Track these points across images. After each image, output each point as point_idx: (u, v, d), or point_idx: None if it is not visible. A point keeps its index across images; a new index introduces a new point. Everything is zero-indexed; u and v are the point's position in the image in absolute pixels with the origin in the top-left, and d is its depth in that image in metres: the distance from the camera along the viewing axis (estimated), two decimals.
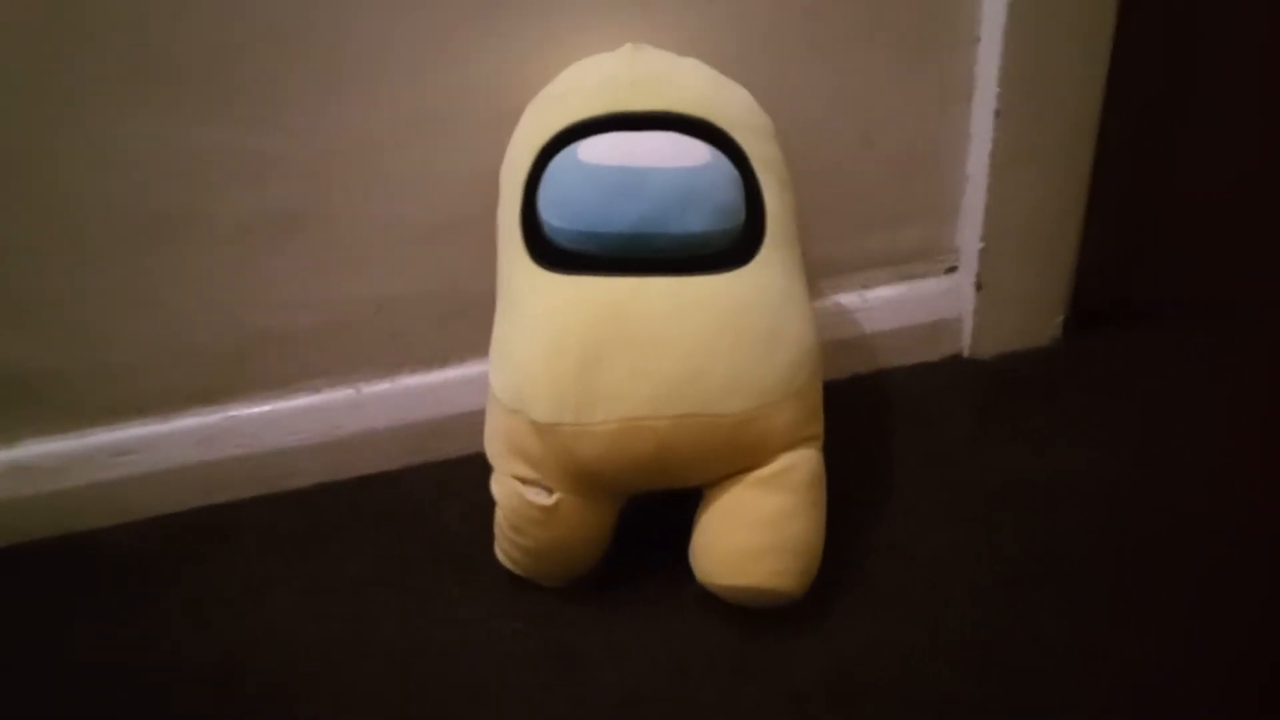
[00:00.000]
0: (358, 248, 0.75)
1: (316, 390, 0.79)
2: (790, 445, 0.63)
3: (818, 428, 0.65)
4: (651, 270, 0.61)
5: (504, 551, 0.68)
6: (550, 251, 0.62)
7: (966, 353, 0.86)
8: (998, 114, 0.77)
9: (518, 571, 0.67)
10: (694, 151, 0.63)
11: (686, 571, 0.67)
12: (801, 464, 0.63)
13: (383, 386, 0.80)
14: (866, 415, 0.80)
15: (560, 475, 0.61)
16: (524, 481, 0.62)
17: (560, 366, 0.60)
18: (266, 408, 0.78)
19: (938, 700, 0.61)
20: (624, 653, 0.64)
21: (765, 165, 0.66)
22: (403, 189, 0.73)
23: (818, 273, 0.81)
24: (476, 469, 0.77)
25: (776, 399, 0.61)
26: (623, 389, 0.59)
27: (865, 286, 0.85)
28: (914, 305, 0.86)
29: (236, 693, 0.64)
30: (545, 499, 0.61)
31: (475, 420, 0.79)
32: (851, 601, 0.66)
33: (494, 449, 0.65)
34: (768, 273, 0.63)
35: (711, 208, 0.62)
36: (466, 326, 0.79)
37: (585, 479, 0.61)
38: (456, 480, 0.78)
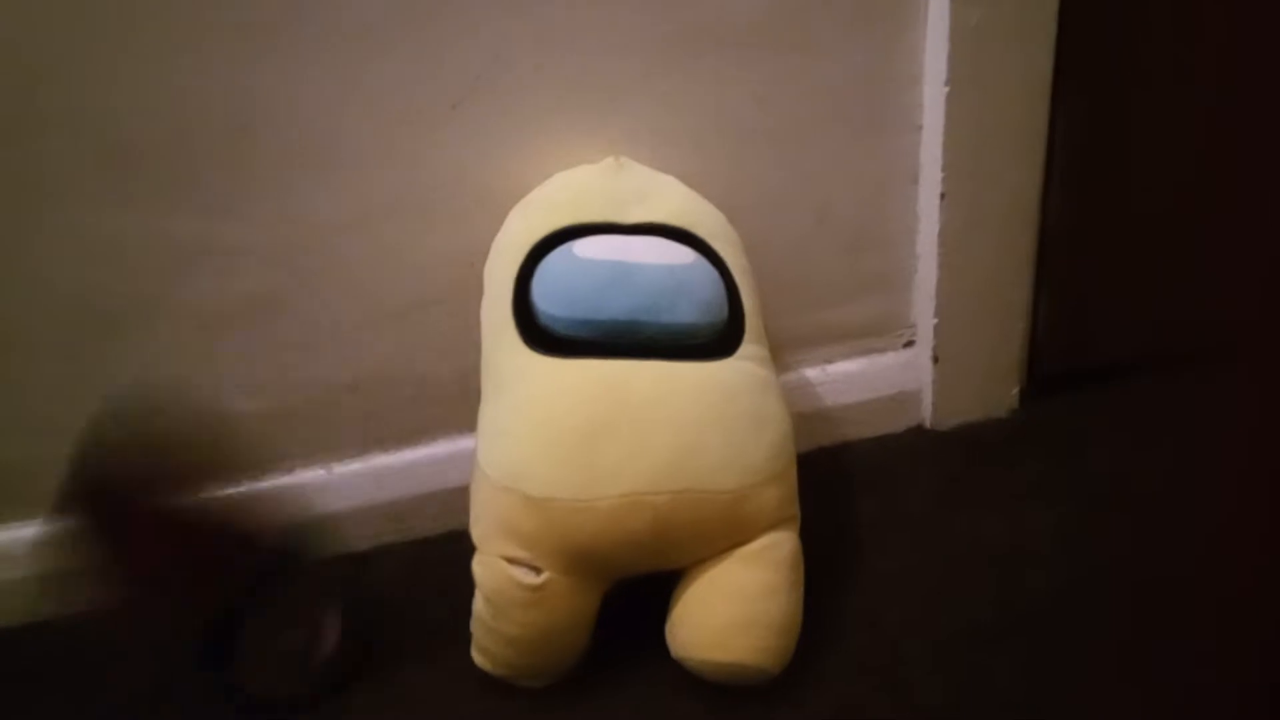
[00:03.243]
0: (327, 331, 0.76)
1: (288, 471, 0.80)
2: (774, 525, 0.65)
3: (796, 509, 0.67)
4: (643, 356, 0.64)
5: (481, 649, 0.67)
6: (544, 338, 0.65)
7: (928, 424, 0.89)
8: (943, 196, 0.82)
9: (496, 671, 0.67)
10: (681, 253, 0.68)
11: (659, 648, 0.67)
12: (784, 543, 0.65)
13: (354, 466, 0.81)
14: (833, 486, 0.82)
15: (552, 553, 0.62)
16: (511, 561, 0.63)
17: (559, 442, 0.62)
18: (237, 490, 0.78)
19: None
20: None
21: (740, 272, 0.71)
22: (370, 273, 0.75)
23: (781, 347, 0.84)
24: (450, 548, 0.77)
25: (764, 478, 0.64)
26: (622, 465, 0.61)
27: (827, 361, 0.88)
28: (874, 378, 0.88)
29: None
30: (533, 578, 0.62)
31: (447, 498, 0.81)
32: (822, 668, 0.67)
33: (481, 529, 0.65)
34: (749, 364, 0.67)
35: (698, 302, 0.66)
36: (437, 406, 0.80)
37: (578, 557, 0.62)
38: (427, 561, 0.78)
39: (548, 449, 0.62)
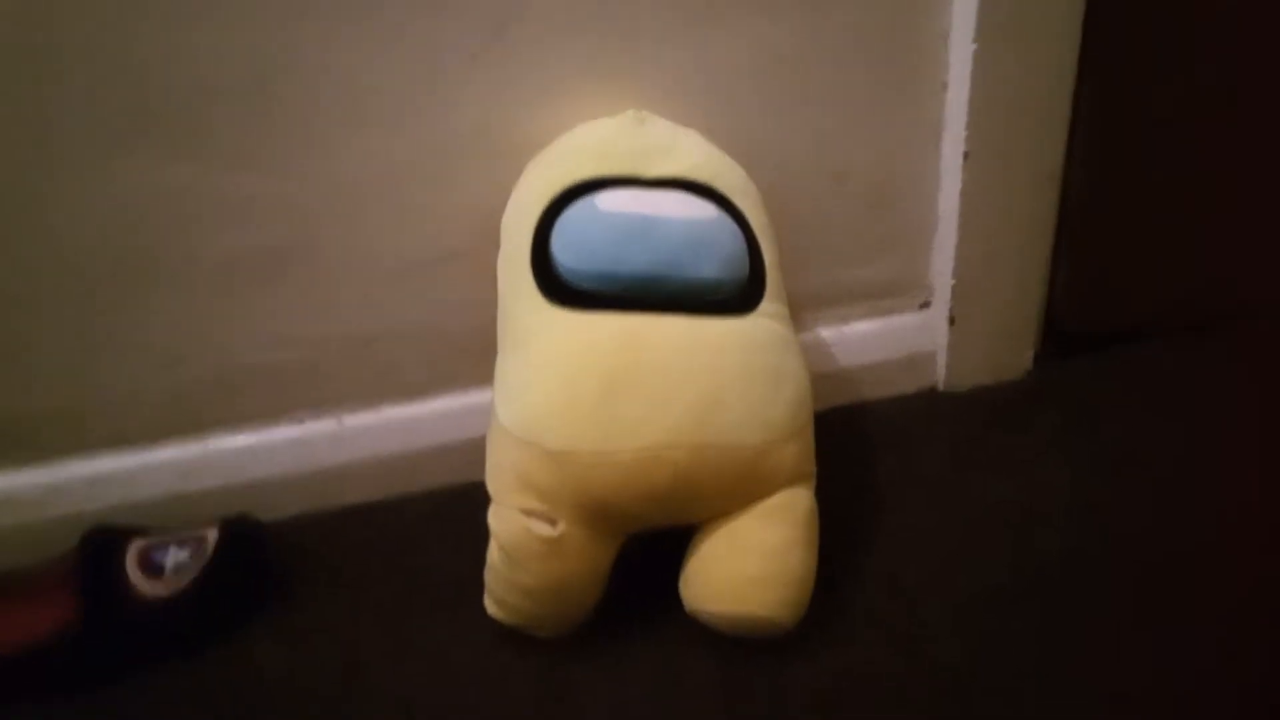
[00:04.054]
0: (342, 285, 0.75)
1: (299, 422, 0.79)
2: (791, 481, 0.65)
3: (813, 466, 0.67)
4: (664, 311, 0.63)
5: (497, 599, 0.66)
6: (564, 291, 0.64)
7: (942, 386, 0.88)
8: (966, 155, 0.80)
9: (511, 621, 0.66)
10: (703, 207, 0.67)
11: (672, 604, 0.67)
12: (800, 499, 0.65)
13: (366, 418, 0.80)
14: (847, 445, 0.82)
15: (570, 507, 0.61)
16: (528, 513, 0.62)
17: (579, 396, 0.61)
18: (248, 440, 0.78)
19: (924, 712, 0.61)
20: (614, 678, 0.64)
21: (761, 228, 0.70)
22: (386, 227, 0.74)
23: (797, 307, 0.83)
24: (458, 501, 0.77)
25: (784, 434, 0.63)
26: (642, 418, 0.60)
27: (843, 321, 0.87)
28: (890, 339, 0.88)
29: None
30: (550, 530, 0.61)
31: (458, 452, 0.80)
32: (837, 627, 0.67)
33: (498, 481, 0.65)
34: (769, 321, 0.66)
35: (720, 257, 0.65)
36: (450, 360, 0.79)
37: (596, 511, 0.62)
38: (439, 513, 0.78)
39: (566, 402, 0.61)
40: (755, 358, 0.64)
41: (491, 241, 0.72)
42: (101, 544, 0.68)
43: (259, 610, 0.70)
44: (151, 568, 0.68)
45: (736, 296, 0.66)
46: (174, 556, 0.68)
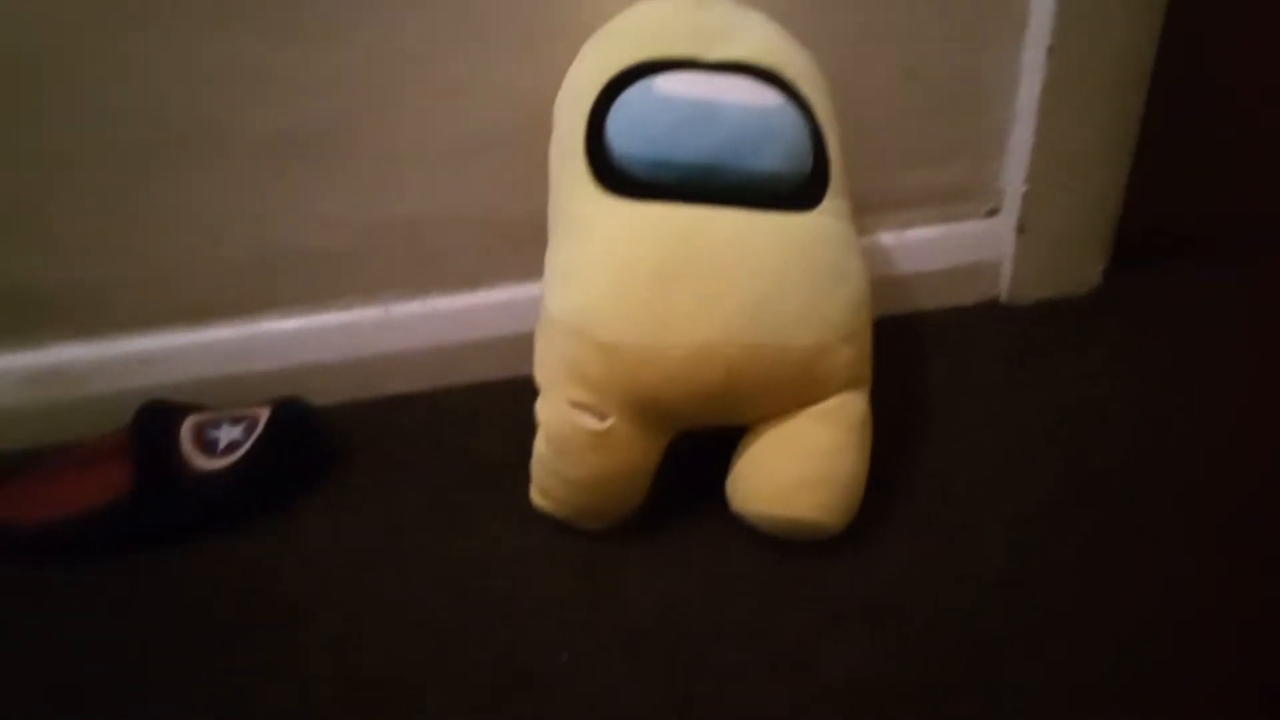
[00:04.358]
0: (387, 167, 0.74)
1: (346, 308, 0.79)
2: (846, 385, 0.63)
3: (868, 370, 0.65)
4: (721, 203, 0.60)
5: (543, 489, 0.66)
6: (618, 179, 0.62)
7: (1005, 297, 0.85)
8: (1050, 50, 0.75)
9: (556, 512, 0.67)
10: (767, 94, 0.63)
11: (718, 503, 0.67)
12: (854, 403, 0.63)
13: (412, 307, 0.79)
14: (903, 354, 0.79)
15: (620, 400, 0.60)
16: (577, 405, 0.61)
17: (631, 288, 0.59)
18: (296, 323, 0.78)
19: (969, 626, 0.61)
20: (656, 572, 0.64)
21: (828, 119, 0.66)
22: (433, 108, 0.72)
23: (856, 208, 0.79)
24: (504, 394, 0.77)
25: (841, 336, 0.61)
26: (695, 314, 0.59)
27: (903, 226, 0.83)
28: (952, 247, 0.84)
29: (265, 603, 0.64)
30: (598, 423, 0.61)
31: (505, 345, 0.80)
32: (887, 530, 0.66)
33: (547, 373, 0.64)
34: (832, 219, 0.64)
35: (782, 148, 0.62)
36: (498, 250, 0.78)
37: (645, 405, 0.61)
38: (484, 404, 0.78)
39: (618, 294, 0.60)
40: (814, 256, 0.61)
41: (542, 126, 0.69)
42: (157, 417, 0.69)
43: (307, 488, 0.71)
44: (205, 443, 0.69)
45: (797, 191, 0.63)
46: (227, 433, 0.69)
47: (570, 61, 0.69)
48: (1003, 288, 0.85)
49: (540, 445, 0.65)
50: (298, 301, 0.77)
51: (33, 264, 0.72)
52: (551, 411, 0.63)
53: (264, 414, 0.71)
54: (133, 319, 0.75)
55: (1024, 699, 0.58)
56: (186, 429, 0.69)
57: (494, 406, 0.77)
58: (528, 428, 0.67)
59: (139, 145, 0.69)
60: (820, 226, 0.62)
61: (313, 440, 0.73)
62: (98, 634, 0.63)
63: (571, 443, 0.62)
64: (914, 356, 0.80)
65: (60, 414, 0.75)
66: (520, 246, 0.76)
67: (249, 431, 0.69)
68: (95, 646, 0.62)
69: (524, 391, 0.69)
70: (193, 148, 0.70)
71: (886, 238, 0.83)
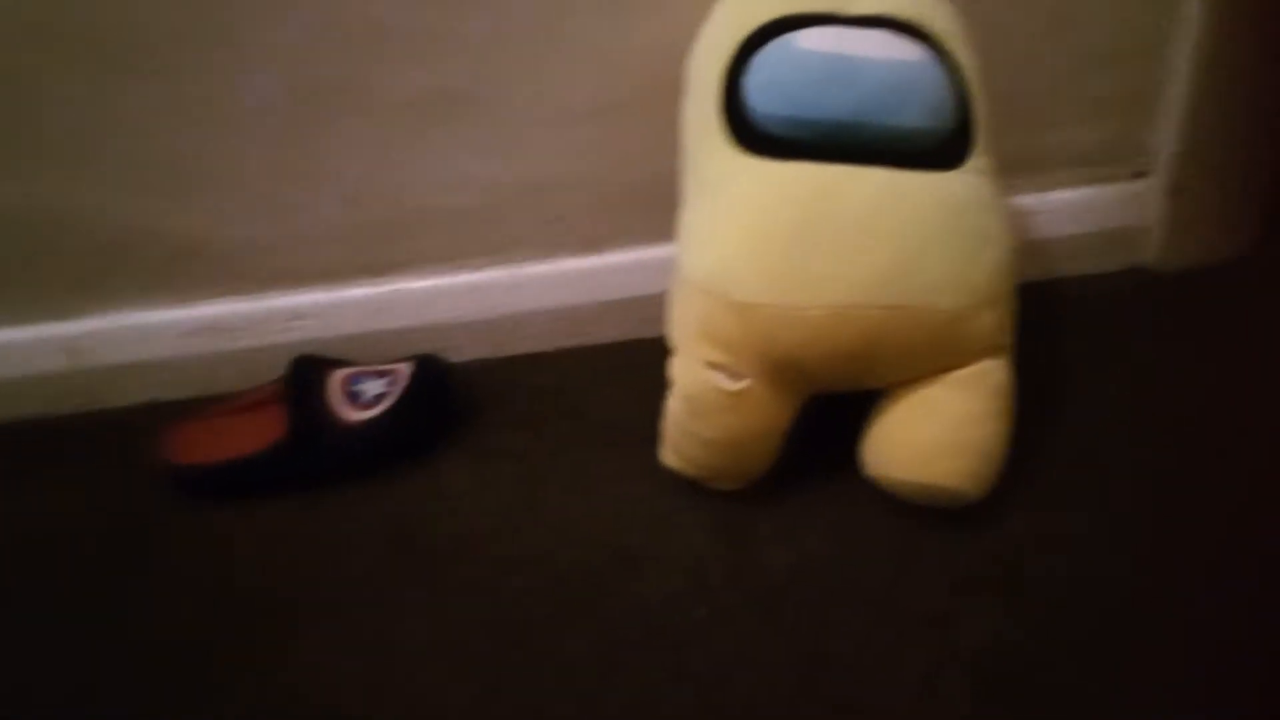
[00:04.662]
0: (518, 128, 0.75)
1: (478, 269, 0.81)
2: (987, 351, 0.62)
3: (1010, 337, 0.63)
4: (863, 161, 0.59)
5: (674, 448, 0.67)
6: (755, 138, 0.61)
7: (1151, 264, 0.81)
8: (1207, 2, 0.71)
9: (687, 471, 0.67)
10: (910, 49, 0.62)
11: (849, 465, 0.66)
12: (996, 370, 0.62)
13: (541, 268, 0.81)
14: (1043, 321, 0.76)
15: (755, 361, 0.61)
16: (712, 365, 0.62)
17: (769, 248, 0.59)
18: (430, 283, 0.80)
19: (1103, 597, 0.60)
20: (787, 533, 0.65)
21: (973, 74, 0.64)
22: (564, 68, 0.72)
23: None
24: (629, 355, 0.78)
25: (984, 300, 0.60)
26: (834, 274, 0.58)
27: (1045, 188, 0.80)
28: (1098, 210, 0.81)
29: (412, 547, 0.67)
30: (733, 384, 0.61)
31: (631, 307, 0.81)
32: (1024, 499, 0.65)
33: (681, 333, 0.64)
34: (976, 178, 0.62)
35: (925, 104, 0.61)
36: (625, 212, 0.78)
37: (781, 367, 0.61)
38: (612, 366, 0.79)
39: (756, 253, 0.60)
40: (958, 217, 0.60)
41: (671, 87, 0.69)
42: (308, 370, 0.73)
43: (444, 440, 0.74)
44: (351, 395, 0.72)
45: (941, 149, 0.61)
46: (371, 386, 0.72)
47: (702, 20, 0.68)
48: (1150, 253, 0.81)
49: (673, 405, 0.65)
50: (431, 261, 0.80)
51: (192, 225, 0.76)
52: (686, 372, 0.64)
53: (405, 369, 0.74)
54: (281, 277, 0.79)
55: (1158, 674, 0.56)
56: (334, 381, 0.73)
57: (619, 368, 0.78)
58: (653, 389, 0.68)
59: (285, 108, 0.72)
60: (964, 186, 0.61)
61: (450, 395, 0.75)
62: (258, 570, 0.67)
63: (705, 403, 0.63)
64: (1056, 324, 0.77)
65: (216, 366, 0.80)
66: (646, 209, 0.76)
67: (392, 385, 0.73)
68: (255, 581, 0.66)
69: (649, 353, 0.70)
70: (335, 110, 0.73)
71: (1027, 200, 0.80)
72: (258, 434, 0.71)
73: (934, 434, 0.62)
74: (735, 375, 0.61)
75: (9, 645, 0.64)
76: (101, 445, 0.76)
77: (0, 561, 0.69)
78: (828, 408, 0.66)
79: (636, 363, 0.77)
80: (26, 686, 0.61)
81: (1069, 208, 0.80)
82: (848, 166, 0.59)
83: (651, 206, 0.75)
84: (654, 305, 0.71)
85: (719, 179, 0.62)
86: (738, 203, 0.61)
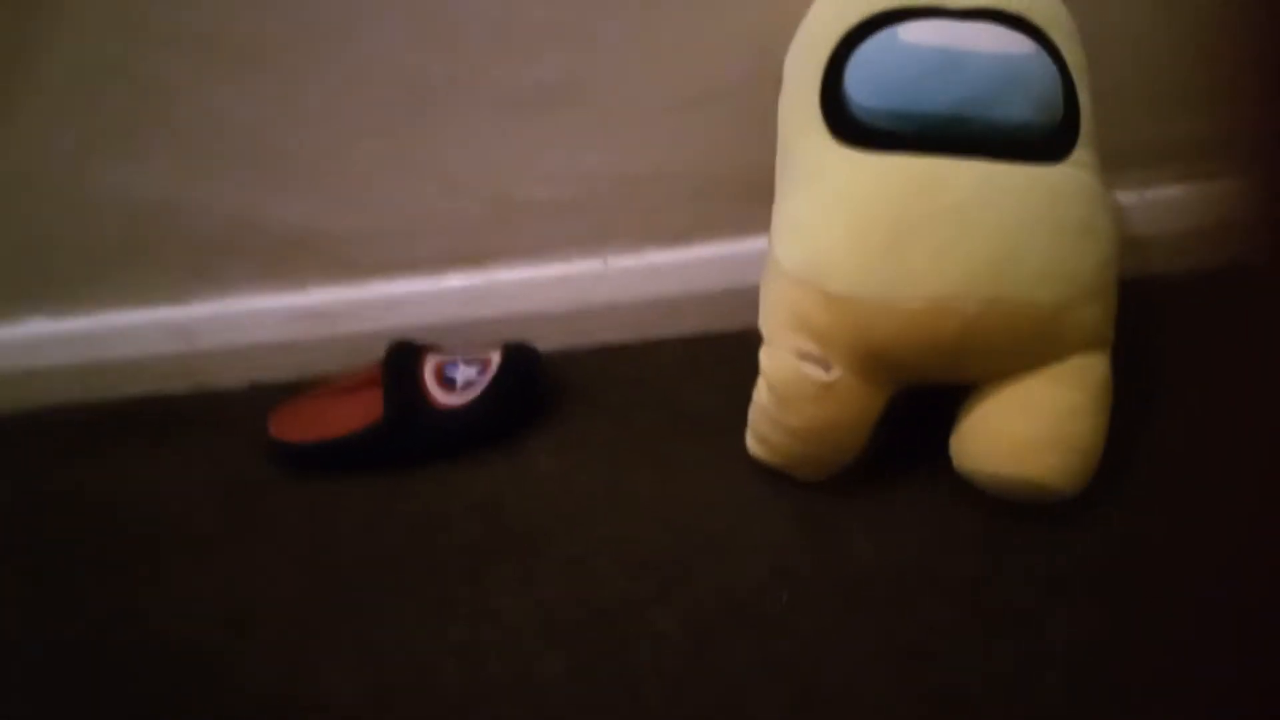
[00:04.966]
0: (615, 121, 0.76)
1: (567, 260, 0.82)
2: (1087, 345, 0.61)
3: (1111, 332, 0.63)
4: (965, 154, 0.59)
5: (760, 437, 0.67)
6: (856, 131, 0.61)
7: (1258, 262, 0.79)
8: None
9: (772, 461, 0.68)
10: (1017, 40, 0.62)
11: (937, 458, 0.66)
12: (1096, 365, 0.61)
13: (629, 260, 0.82)
14: (1141, 318, 0.74)
15: (846, 352, 0.61)
16: (802, 356, 0.62)
17: (867, 239, 0.59)
18: (521, 274, 0.82)
19: (1197, 600, 0.58)
20: (872, 524, 0.65)
21: (1078, 67, 0.63)
22: (660, 59, 0.73)
23: None
24: (714, 348, 0.79)
25: (1085, 294, 0.60)
26: (933, 267, 0.58)
27: (1145, 184, 0.78)
28: (1200, 207, 0.78)
29: (502, 528, 0.69)
30: (823, 375, 0.61)
31: (719, 300, 0.81)
32: (1118, 498, 0.64)
33: (773, 323, 0.65)
34: (1081, 171, 0.61)
35: (1032, 98, 0.60)
36: (716, 204, 0.79)
37: (873, 359, 0.61)
38: (697, 357, 0.80)
39: (854, 244, 0.60)
40: (1062, 210, 0.59)
41: (766, 78, 0.69)
42: (403, 355, 0.76)
43: (532, 427, 0.76)
44: (445, 380, 0.75)
45: (1046, 142, 0.61)
46: (464, 372, 0.75)
47: (801, 12, 0.68)
48: (1256, 251, 0.78)
49: (761, 394, 0.66)
50: (526, 253, 0.82)
51: (298, 212, 0.79)
52: (775, 361, 0.64)
53: (496, 356, 0.76)
54: (379, 266, 0.82)
55: (1253, 679, 0.54)
56: (429, 367, 0.75)
57: (704, 359, 0.79)
58: (739, 381, 0.68)
59: (392, 103, 0.75)
60: (1069, 179, 0.60)
61: (539, 382, 0.77)
62: (355, 543, 0.70)
63: (794, 392, 0.63)
64: (1155, 322, 0.75)
65: (318, 350, 0.83)
66: (737, 201, 0.77)
67: (483, 372, 0.75)
68: (352, 554, 0.69)
69: (735, 346, 0.70)
70: (439, 104, 0.75)
71: (1124, 196, 0.78)
72: (356, 415, 0.74)
73: (1031, 428, 0.61)
74: (825, 366, 0.62)
75: (120, 605, 0.68)
76: (210, 423, 0.80)
77: (115, 527, 0.73)
78: (915, 399, 0.66)
79: (723, 355, 0.77)
80: (139, 643, 0.65)
81: (1170, 204, 0.78)
82: (948, 158, 0.59)
83: (743, 199, 0.75)
84: (741, 298, 0.72)
85: (817, 171, 0.63)
86: (836, 194, 0.61)
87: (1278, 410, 0.68)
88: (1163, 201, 0.78)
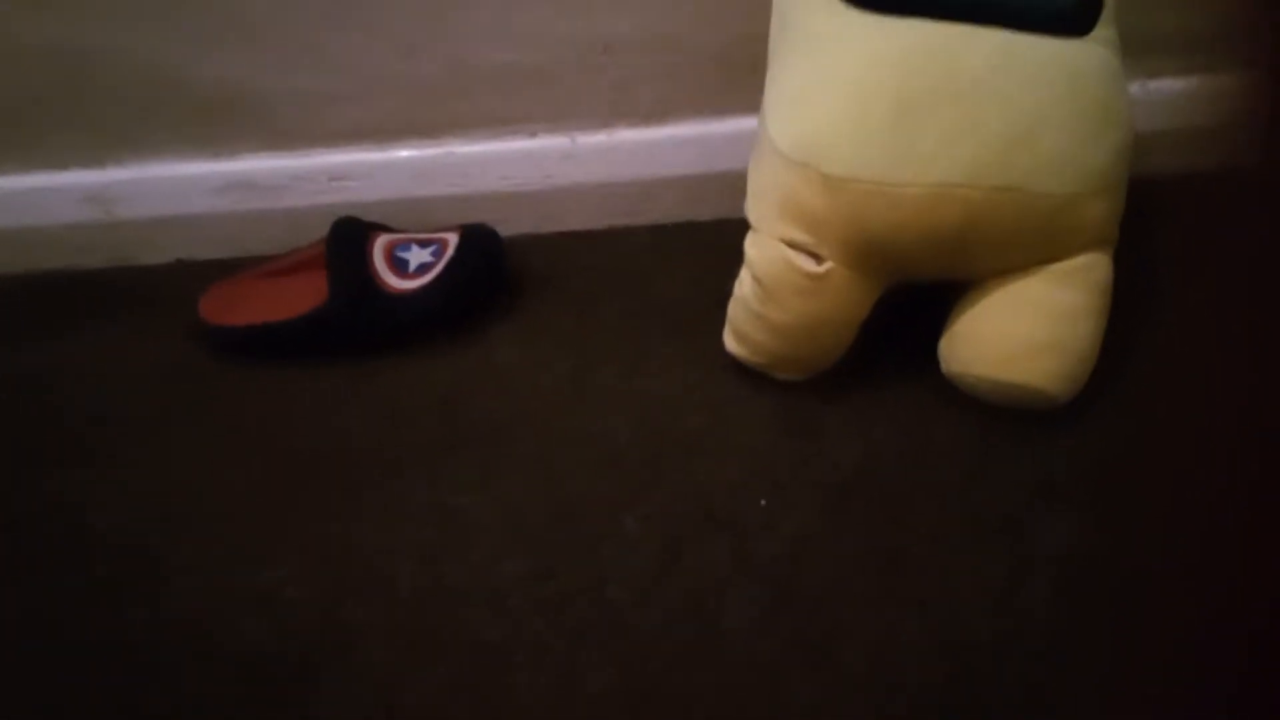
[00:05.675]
0: None
1: (532, 135, 0.75)
2: (1093, 243, 0.57)
3: (1116, 231, 0.59)
4: (982, 22, 0.54)
5: (740, 334, 0.63)
6: None
7: (1254, 163, 0.76)
8: None
9: (752, 359, 0.64)
10: None
11: (922, 360, 0.63)
12: (1099, 265, 0.58)
13: (598, 138, 0.75)
14: (1140, 221, 0.72)
15: (841, 241, 0.56)
16: (792, 246, 0.57)
17: (870, 116, 0.54)
18: (481, 148, 0.75)
19: (1201, 505, 0.57)
20: (855, 428, 0.62)
21: None
22: None
23: None
24: (691, 236, 0.74)
25: (1098, 186, 0.56)
26: (939, 149, 0.53)
27: (1149, 75, 0.74)
28: (1204, 102, 0.75)
29: (457, 422, 0.65)
30: (815, 266, 0.57)
31: (690, 185, 0.76)
32: (1106, 405, 0.61)
33: (761, 208, 0.59)
34: (1103, 49, 0.56)
35: None
36: (696, 79, 0.72)
37: (868, 249, 0.56)
38: (669, 246, 0.75)
39: (854, 122, 0.54)
40: (1083, 90, 0.55)
41: None
42: (350, 234, 0.69)
43: (492, 315, 0.70)
44: (396, 262, 0.68)
45: (1070, 12, 0.55)
46: (417, 255, 0.69)
47: None
48: (1254, 152, 0.76)
49: (744, 287, 0.61)
50: (484, 124, 0.74)
51: (231, 70, 0.71)
52: (762, 251, 0.59)
53: (453, 238, 0.69)
54: (323, 134, 0.74)
55: (1247, 589, 0.54)
56: (378, 247, 0.69)
57: (677, 248, 0.74)
58: (714, 273, 0.64)
59: None
60: (1092, 56, 0.55)
61: (500, 268, 0.72)
62: (302, 435, 0.65)
63: (782, 285, 0.59)
64: (1152, 224, 0.72)
65: (252, 226, 0.75)
66: (719, 76, 0.71)
67: (439, 254, 0.69)
68: (298, 447, 0.64)
69: (710, 235, 0.66)
70: None
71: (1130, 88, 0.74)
72: (297, 299, 0.68)
73: (1028, 330, 0.58)
74: (817, 257, 0.57)
75: (51, 497, 0.62)
76: (136, 301, 0.73)
77: (41, 413, 0.67)
78: (903, 296, 0.62)
79: (696, 244, 0.73)
80: (71, 536, 0.60)
81: (1172, 99, 0.74)
82: (964, 26, 0.54)
83: (725, 74, 0.69)
84: (719, 184, 0.67)
85: (818, 36, 0.56)
86: (838, 63, 0.55)
87: (1270, 318, 0.67)
88: (1166, 95, 0.74)
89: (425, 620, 0.56)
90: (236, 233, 0.76)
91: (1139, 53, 0.73)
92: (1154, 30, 0.72)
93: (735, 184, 0.63)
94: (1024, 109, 0.54)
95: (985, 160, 0.53)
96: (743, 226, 0.61)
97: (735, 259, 0.62)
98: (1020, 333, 0.58)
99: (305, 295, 0.68)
